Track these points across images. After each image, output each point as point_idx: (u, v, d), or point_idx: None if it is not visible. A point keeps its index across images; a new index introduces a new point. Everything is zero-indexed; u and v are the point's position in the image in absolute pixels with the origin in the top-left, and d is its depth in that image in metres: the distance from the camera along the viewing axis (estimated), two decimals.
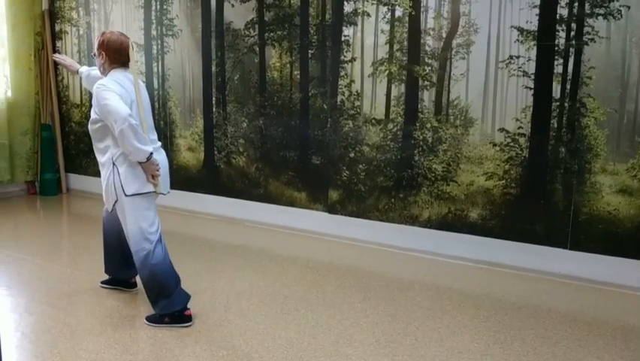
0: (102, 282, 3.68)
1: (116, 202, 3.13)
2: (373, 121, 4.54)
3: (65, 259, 4.42)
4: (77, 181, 6.58)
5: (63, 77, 6.48)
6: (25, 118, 6.36)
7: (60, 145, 6.57)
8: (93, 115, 3.08)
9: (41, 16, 6.38)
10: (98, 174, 6.85)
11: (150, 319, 3.16)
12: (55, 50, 6.43)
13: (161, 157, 3.19)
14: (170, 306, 3.11)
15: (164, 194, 3.21)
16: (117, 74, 3.10)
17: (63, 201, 6.37)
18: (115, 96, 2.95)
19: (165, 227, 5.06)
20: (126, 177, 3.05)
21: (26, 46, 6.29)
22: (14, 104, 6.24)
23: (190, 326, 3.12)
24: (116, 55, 3.13)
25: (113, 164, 3.07)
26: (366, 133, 4.58)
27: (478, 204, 4.17)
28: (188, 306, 3.17)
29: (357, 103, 4.60)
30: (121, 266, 3.54)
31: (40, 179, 6.45)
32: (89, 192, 6.40)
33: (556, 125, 3.86)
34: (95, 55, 3.20)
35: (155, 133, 3.27)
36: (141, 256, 3.11)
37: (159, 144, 3.26)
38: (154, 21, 5.65)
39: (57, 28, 6.43)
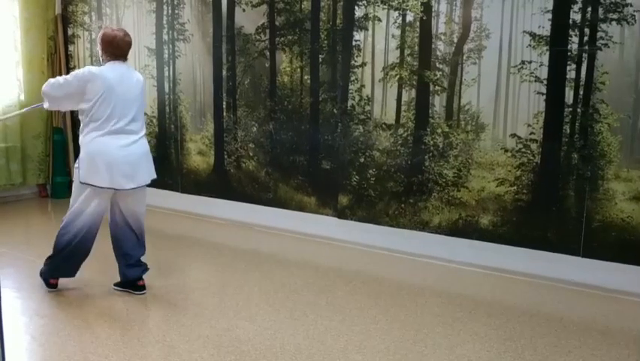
0: (114, 284, 3.70)
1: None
2: (384, 126, 4.52)
3: None
4: None
5: None
6: (37, 121, 6.41)
7: (71, 148, 6.60)
8: None
9: (54, 21, 6.43)
10: None
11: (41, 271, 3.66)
12: (67, 54, 6.49)
13: (124, 150, 3.41)
14: (48, 272, 3.62)
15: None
16: (110, 64, 3.46)
17: None
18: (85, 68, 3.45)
19: (175, 230, 5.06)
20: (82, 163, 3.39)
21: (39, 50, 6.34)
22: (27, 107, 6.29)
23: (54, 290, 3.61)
24: (109, 47, 3.46)
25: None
26: (377, 138, 4.56)
27: (489, 210, 4.14)
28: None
29: (367, 108, 4.59)
30: (123, 266, 3.65)
31: (52, 182, 6.49)
32: None
33: (568, 131, 3.82)
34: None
35: (138, 124, 3.51)
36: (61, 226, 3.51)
37: (136, 137, 3.49)
38: (165, 25, 5.67)
39: (70, 32, 6.48)
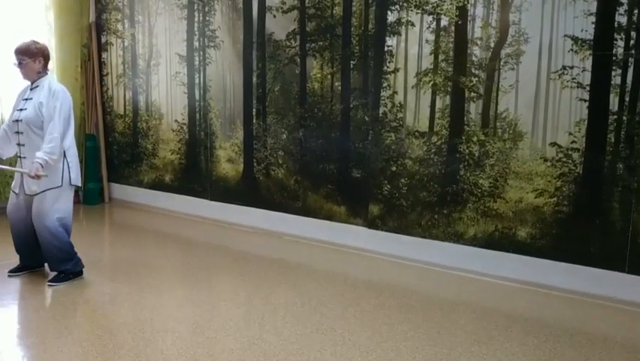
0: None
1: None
2: (416, 134, 4.39)
3: (106, 269, 4.40)
4: (120, 191, 6.65)
5: (108, 88, 6.58)
6: None
7: (104, 155, 6.65)
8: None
9: (88, 28, 6.51)
10: (139, 184, 6.87)
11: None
12: (100, 61, 6.54)
13: None
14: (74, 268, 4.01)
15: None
16: (50, 74, 3.97)
17: (105, 210, 6.44)
18: (65, 93, 3.89)
19: (203, 238, 5.03)
20: (73, 167, 3.91)
21: (73, 57, 6.41)
22: None
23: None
24: (48, 59, 3.90)
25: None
26: (409, 146, 4.43)
27: (527, 222, 3.95)
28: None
29: (399, 115, 4.46)
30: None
31: (84, 188, 6.53)
32: (130, 201, 6.45)
33: (613, 140, 3.62)
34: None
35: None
36: None
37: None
38: (196, 32, 5.66)
39: (103, 39, 6.54)
